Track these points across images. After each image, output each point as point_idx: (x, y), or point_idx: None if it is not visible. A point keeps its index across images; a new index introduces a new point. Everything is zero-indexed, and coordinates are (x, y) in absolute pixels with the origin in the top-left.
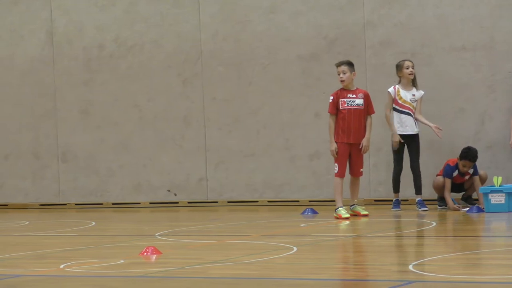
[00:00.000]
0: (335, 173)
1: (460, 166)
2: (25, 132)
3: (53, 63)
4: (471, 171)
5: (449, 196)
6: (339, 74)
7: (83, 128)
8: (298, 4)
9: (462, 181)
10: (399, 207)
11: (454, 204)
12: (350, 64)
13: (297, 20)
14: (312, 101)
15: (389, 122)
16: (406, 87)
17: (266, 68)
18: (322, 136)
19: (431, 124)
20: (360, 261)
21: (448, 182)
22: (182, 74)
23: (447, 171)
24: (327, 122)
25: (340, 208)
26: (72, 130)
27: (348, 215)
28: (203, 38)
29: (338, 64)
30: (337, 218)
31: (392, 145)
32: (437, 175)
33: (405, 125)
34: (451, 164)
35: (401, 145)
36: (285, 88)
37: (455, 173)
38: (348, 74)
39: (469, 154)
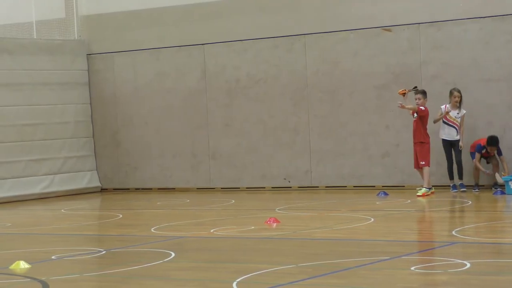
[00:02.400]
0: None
1: (488, 149)
2: (186, 139)
3: (205, 91)
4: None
5: (479, 164)
6: (416, 100)
7: (226, 136)
8: (374, 49)
9: (490, 155)
10: (456, 189)
11: (486, 171)
12: (423, 93)
13: (373, 60)
14: (383, 117)
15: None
16: (453, 108)
17: (351, 94)
18: (390, 141)
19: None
20: (418, 228)
21: (478, 156)
22: (293, 98)
23: (478, 148)
24: (393, 132)
25: (424, 189)
26: (218, 137)
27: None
28: (308, 74)
29: (416, 92)
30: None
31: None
32: (470, 151)
33: (450, 134)
34: (482, 144)
35: (449, 147)
36: (365, 108)
37: (483, 151)
38: (422, 100)
39: (492, 140)
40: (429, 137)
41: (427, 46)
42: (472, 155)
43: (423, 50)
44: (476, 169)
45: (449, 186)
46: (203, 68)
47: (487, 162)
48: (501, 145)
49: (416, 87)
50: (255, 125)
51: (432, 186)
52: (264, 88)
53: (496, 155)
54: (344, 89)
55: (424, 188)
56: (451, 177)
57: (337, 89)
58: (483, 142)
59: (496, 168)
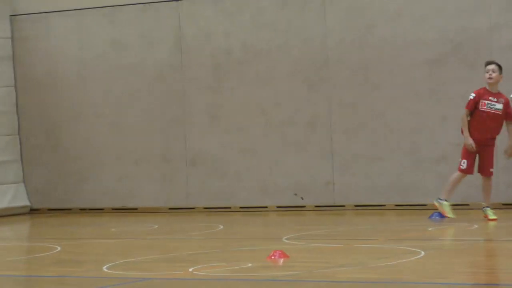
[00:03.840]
0: (461, 169)
1: None
2: (155, 137)
3: (181, 69)
4: None
5: None
6: (487, 72)
7: (211, 133)
8: (424, 8)
9: None
10: None
11: None
12: (499, 66)
13: (423, 24)
14: (439, 105)
15: None
16: None
17: (392, 72)
18: (449, 140)
19: None
20: (488, 265)
21: None
22: (308, 79)
23: None
24: (453, 126)
25: (445, 202)
26: (200, 134)
27: (452, 215)
28: (329, 44)
29: (488, 63)
30: (438, 209)
31: None
32: None
33: None
34: None
35: None
36: (411, 92)
37: None
38: (497, 73)
39: None
40: None
41: (500, 3)
42: None
43: (494, 9)
44: None
45: None
46: (178, 35)
47: None
48: None
49: None
50: (254, 118)
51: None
52: (266, 64)
53: None
54: (381, 66)
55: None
56: None
57: (371, 65)
58: None
59: None
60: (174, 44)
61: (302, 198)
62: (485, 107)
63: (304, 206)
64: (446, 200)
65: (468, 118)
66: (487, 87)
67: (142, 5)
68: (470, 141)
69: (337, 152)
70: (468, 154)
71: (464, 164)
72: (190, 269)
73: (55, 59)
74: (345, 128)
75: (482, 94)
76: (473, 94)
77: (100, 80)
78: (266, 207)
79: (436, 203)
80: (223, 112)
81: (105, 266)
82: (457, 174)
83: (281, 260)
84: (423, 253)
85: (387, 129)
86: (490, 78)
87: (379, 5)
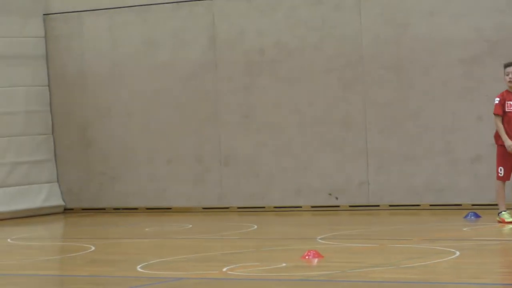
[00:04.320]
0: (499, 177)
1: None
2: (187, 137)
3: (215, 67)
4: None
5: None
6: (507, 75)
7: (244, 132)
8: (459, 6)
9: None
10: None
11: None
12: None
13: (458, 22)
14: (474, 104)
15: None
16: None
17: (427, 71)
18: (484, 139)
19: None
20: None
21: None
22: (343, 78)
23: None
24: (489, 125)
25: (503, 212)
26: (233, 134)
27: (511, 219)
28: (364, 42)
29: (507, 65)
30: (500, 222)
31: None
32: None
33: None
34: None
35: None
36: (446, 91)
37: None
38: None
39: None
40: None
41: None
42: None
43: None
44: None
45: None
46: (212, 33)
47: None
48: None
49: None
50: (287, 117)
51: None
52: (300, 62)
53: None
54: (416, 64)
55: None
56: None
57: (406, 64)
58: None
59: None
60: (207, 42)
61: (337, 198)
62: (511, 108)
63: (338, 206)
64: (504, 211)
65: (500, 122)
66: (509, 89)
67: (175, 3)
68: (510, 143)
69: (371, 152)
70: (503, 160)
71: (501, 171)
72: (224, 269)
73: (87, 58)
74: (380, 127)
75: (506, 96)
76: (497, 98)
77: (132, 79)
78: (300, 207)
79: (497, 219)
80: (256, 112)
81: (138, 266)
82: (497, 183)
83: (315, 260)
84: (457, 253)
85: (421, 129)
86: (510, 81)
87: (414, 3)
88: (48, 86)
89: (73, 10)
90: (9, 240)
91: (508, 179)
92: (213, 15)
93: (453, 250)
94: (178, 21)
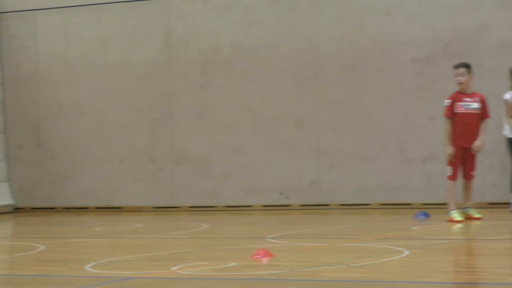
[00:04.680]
0: (448, 176)
1: None
2: (140, 136)
3: (169, 66)
4: None
5: None
6: (456, 77)
7: (198, 131)
8: (414, 6)
9: None
10: None
11: None
12: (468, 67)
13: (413, 22)
14: (427, 104)
15: None
16: None
17: (380, 71)
18: (436, 139)
19: None
20: (472, 264)
21: None
22: (297, 77)
23: None
24: (441, 125)
25: (452, 211)
26: (186, 133)
27: (461, 218)
28: (318, 42)
29: (456, 66)
30: (449, 221)
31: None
32: None
33: None
34: None
35: None
36: (400, 91)
37: None
38: (466, 77)
39: None
40: None
41: (489, 2)
42: None
43: (484, 8)
44: None
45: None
46: (167, 32)
47: None
48: None
49: None
50: (241, 116)
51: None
52: (255, 62)
53: None
54: (370, 64)
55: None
56: None
57: (360, 64)
58: None
59: None
60: (162, 42)
61: (288, 197)
62: (462, 109)
63: (289, 205)
64: (453, 210)
65: (450, 126)
66: (460, 90)
67: (130, 2)
68: (450, 150)
69: (324, 151)
70: (452, 160)
71: (449, 171)
72: (174, 268)
73: (41, 57)
74: (333, 127)
75: (456, 97)
76: (448, 100)
77: (86, 78)
78: (251, 206)
79: (447, 218)
80: (210, 111)
81: (88, 265)
82: (448, 182)
83: (265, 259)
84: (407, 252)
85: (374, 128)
86: (459, 83)
87: (369, 3)
88: (2, 85)
89: (27, 9)
90: None
91: (456, 179)
92: (168, 14)
93: (403, 249)
94: (132, 20)
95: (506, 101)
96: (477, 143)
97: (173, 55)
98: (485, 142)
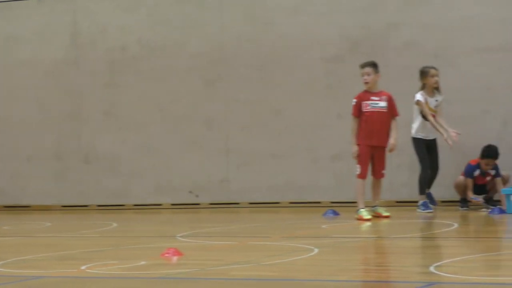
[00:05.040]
0: (357, 175)
1: (483, 165)
2: (48, 134)
3: (76, 65)
4: (493, 172)
5: (471, 195)
6: (363, 76)
7: (106, 130)
8: (321, 5)
9: (484, 182)
10: (430, 208)
11: (475, 199)
12: (374, 66)
13: (320, 21)
14: (335, 102)
15: (434, 125)
16: (430, 94)
17: (289, 69)
18: (345, 138)
19: (449, 130)
20: (381, 262)
21: (469, 182)
22: (205, 76)
23: (468, 170)
24: (349, 124)
25: (361, 210)
26: (94, 131)
27: (369, 217)
28: (226, 40)
29: (362, 66)
30: (358, 219)
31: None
32: (459, 176)
33: (427, 131)
34: (472, 164)
35: (426, 149)
36: (308, 89)
37: (476, 173)
38: (372, 76)
39: (490, 152)
40: None
41: (397, 1)
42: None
43: (391, 7)
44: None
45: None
46: (74, 30)
47: (486, 190)
48: (502, 144)
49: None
50: (149, 115)
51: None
52: (162, 60)
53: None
54: (279, 63)
55: (363, 210)
56: (423, 191)
57: (269, 62)
58: (474, 162)
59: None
60: (69, 39)
61: (197, 196)
62: (369, 108)
63: (199, 204)
64: (362, 208)
65: (356, 125)
66: (367, 89)
67: (37, 0)
68: (355, 149)
69: (233, 150)
70: (362, 159)
71: (358, 169)
72: (83, 267)
73: None
74: (242, 125)
75: (363, 96)
76: (354, 100)
77: None
78: (160, 204)
79: (356, 216)
80: (119, 109)
81: None
82: (357, 181)
83: (175, 258)
84: (316, 250)
85: (283, 127)
86: (366, 82)
87: (277, 2)
88: None
89: None
90: None
91: (366, 177)
92: (75, 12)
93: (312, 248)
94: (39, 18)
95: (418, 102)
96: (391, 142)
97: (81, 53)
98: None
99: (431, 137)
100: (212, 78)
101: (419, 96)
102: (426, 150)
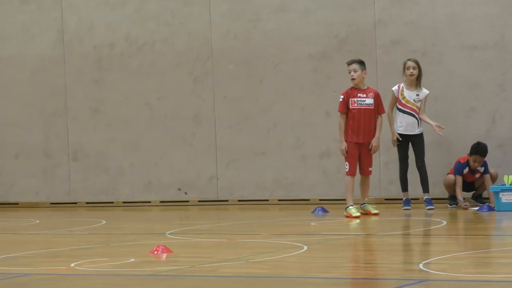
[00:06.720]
0: (346, 172)
1: (471, 162)
2: (36, 131)
3: (63, 62)
4: (481, 169)
5: (460, 193)
6: (350, 73)
7: (94, 127)
8: (308, 2)
9: (473, 180)
10: (409, 206)
11: (463, 203)
12: (361, 63)
13: (308, 18)
14: (323, 99)
15: (390, 120)
16: (409, 87)
17: (276, 66)
18: (333, 135)
19: (432, 123)
20: (369, 259)
21: (458, 179)
22: (193, 73)
23: (458, 168)
24: (337, 121)
25: (350, 207)
26: (82, 128)
27: (358, 214)
28: (213, 37)
29: (349, 63)
30: (347, 216)
31: (392, 144)
32: (448, 173)
33: (407, 125)
34: (462, 161)
35: (405, 144)
36: (296, 86)
37: (466, 170)
38: (359, 72)
39: (479, 149)
40: None
41: None
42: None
43: (378, 4)
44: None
45: (413, 200)
46: (60, 27)
47: (474, 187)
48: (490, 141)
49: None
50: (138, 112)
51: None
52: (150, 57)
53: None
54: (266, 60)
55: (352, 207)
56: (405, 188)
57: (256, 59)
58: (464, 159)
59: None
60: (56, 36)
61: (186, 193)
62: (356, 105)
63: (187, 201)
64: (351, 206)
65: (343, 121)
66: (354, 86)
67: None
68: (343, 146)
69: (221, 147)
70: (351, 155)
71: (347, 166)
72: (72, 265)
73: None
74: (230, 122)
75: (350, 93)
76: (342, 96)
77: None
78: (149, 202)
79: (345, 214)
80: (106, 106)
81: None
82: (346, 178)
83: (164, 255)
84: (305, 247)
85: (271, 124)
86: (352, 79)
87: None
88: None
89: None
90: None
91: (355, 175)
92: (62, 9)
93: (301, 245)
94: (26, 15)
95: (392, 92)
96: (374, 143)
97: (68, 50)
98: (382, 139)
99: (415, 132)
100: (200, 75)
101: (395, 87)
102: (407, 145)
